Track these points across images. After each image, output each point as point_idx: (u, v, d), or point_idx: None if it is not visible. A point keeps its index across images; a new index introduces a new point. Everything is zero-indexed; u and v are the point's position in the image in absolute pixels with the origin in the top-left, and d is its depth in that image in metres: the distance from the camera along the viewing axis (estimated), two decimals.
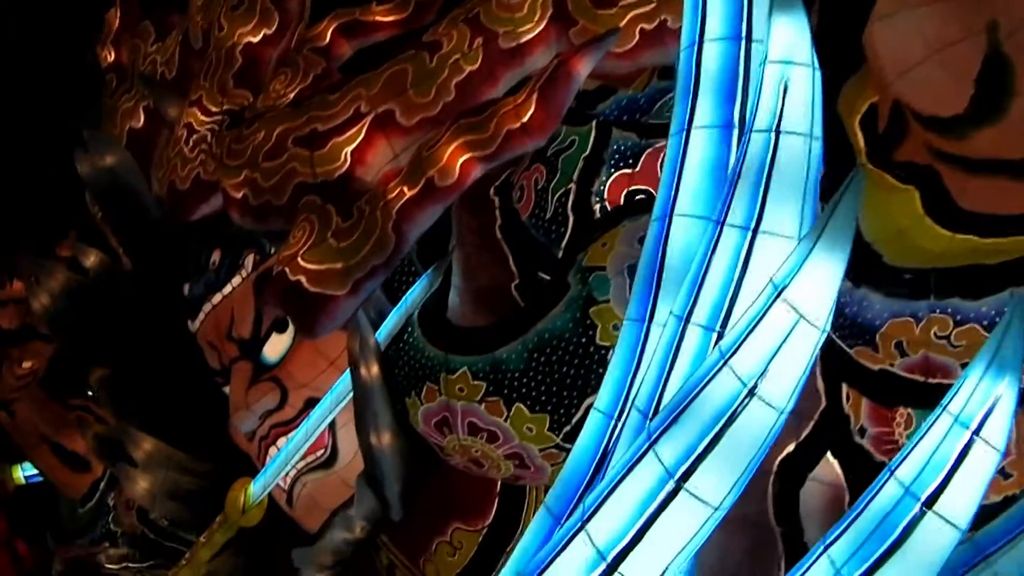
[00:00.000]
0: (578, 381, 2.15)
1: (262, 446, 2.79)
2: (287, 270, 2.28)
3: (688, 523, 1.60)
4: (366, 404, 2.40)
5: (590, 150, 2.43)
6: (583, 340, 2.15)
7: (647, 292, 1.78)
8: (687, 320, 1.67)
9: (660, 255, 1.78)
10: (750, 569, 1.93)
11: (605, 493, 1.66)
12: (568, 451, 2.23)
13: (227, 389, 2.92)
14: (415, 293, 2.41)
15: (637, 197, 2.32)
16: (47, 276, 3.08)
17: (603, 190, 2.43)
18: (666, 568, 1.61)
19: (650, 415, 1.69)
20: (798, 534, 2.01)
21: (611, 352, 2.15)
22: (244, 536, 2.91)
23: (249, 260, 2.86)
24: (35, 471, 3.85)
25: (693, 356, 1.67)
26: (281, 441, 2.74)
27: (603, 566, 1.64)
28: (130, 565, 3.67)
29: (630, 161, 2.41)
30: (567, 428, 2.18)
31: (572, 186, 2.45)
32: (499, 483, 2.52)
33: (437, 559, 2.63)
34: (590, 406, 2.16)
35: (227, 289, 2.88)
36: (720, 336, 1.66)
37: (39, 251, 3.44)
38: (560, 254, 2.42)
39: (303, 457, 2.71)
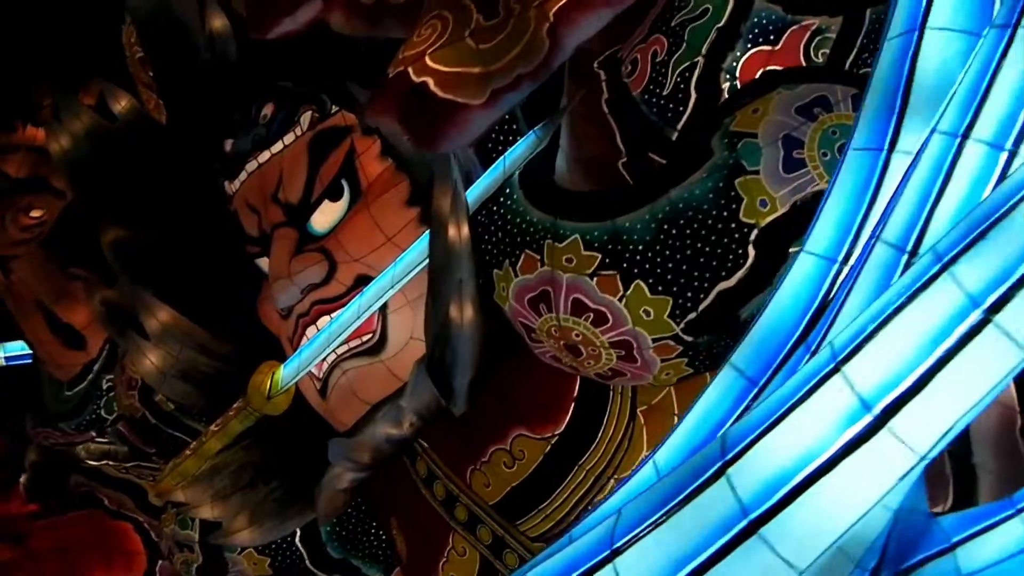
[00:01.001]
0: (712, 262, 1.84)
1: (299, 325, 2.44)
2: (410, 70, 1.92)
3: (992, 368, 1.25)
4: (450, 271, 2.06)
5: (726, 20, 2.12)
6: (724, 214, 1.84)
7: (886, 116, 1.47)
8: (965, 136, 1.36)
9: (907, 73, 1.47)
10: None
11: (871, 328, 1.32)
12: (687, 344, 1.95)
13: (262, 261, 2.59)
14: (517, 151, 2.07)
15: None
16: (70, 116, 2.70)
17: (736, 67, 2.12)
18: (951, 427, 1.28)
19: (910, 248, 1.37)
20: (967, 456, 1.72)
21: (754, 232, 1.87)
22: (262, 428, 2.57)
23: (306, 117, 2.51)
24: (16, 352, 3.48)
25: (975, 176, 1.36)
26: (323, 321, 2.40)
27: (868, 418, 1.29)
28: (111, 463, 3.31)
29: (771, 37, 2.10)
30: (691, 316, 1.87)
31: (699, 60, 2.13)
32: (577, 386, 2.22)
33: (489, 469, 2.30)
34: (722, 293, 1.88)
35: (277, 147, 2.54)
36: (1012, 154, 1.34)
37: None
38: (675, 135, 2.11)
39: (346, 341, 2.37)
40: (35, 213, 2.96)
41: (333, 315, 2.38)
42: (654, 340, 1.91)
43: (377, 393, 2.37)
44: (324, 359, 2.40)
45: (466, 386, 2.14)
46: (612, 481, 2.16)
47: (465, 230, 2.01)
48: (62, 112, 2.70)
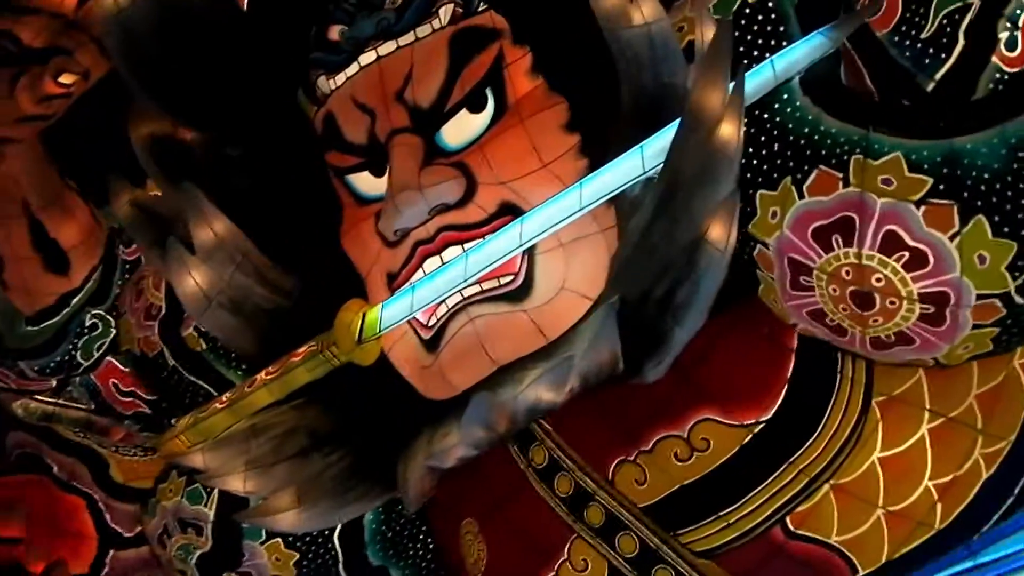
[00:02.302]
0: None
1: (416, 254, 1.93)
2: None
3: None
4: (711, 182, 1.59)
5: None
6: None
7: None
8: None
9: None
10: None
11: None
12: (1013, 309, 1.54)
13: (358, 177, 2.04)
14: (795, 54, 1.64)
15: None
16: None
17: (1020, 16, 1.78)
18: None
19: None
20: None
21: None
22: (326, 384, 2.01)
23: (447, 10, 2.03)
24: None
25: None
26: (450, 252, 1.90)
27: None
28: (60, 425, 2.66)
29: None
30: None
31: (974, 2, 1.78)
32: (792, 364, 1.78)
33: (650, 461, 1.83)
34: None
35: (407, 38, 2.04)
36: None
37: None
38: (932, 85, 1.74)
39: (479, 281, 1.88)
40: (65, 79, 2.33)
41: (467, 246, 1.89)
42: (979, 297, 1.50)
43: (511, 350, 1.87)
44: (443, 301, 1.89)
45: (685, 339, 1.67)
46: (827, 487, 1.72)
47: (741, 131, 1.55)
48: None
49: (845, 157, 1.55)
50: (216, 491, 2.24)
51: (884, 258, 1.53)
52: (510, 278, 1.87)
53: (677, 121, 1.63)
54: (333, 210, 2.13)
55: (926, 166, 1.51)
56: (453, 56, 1.97)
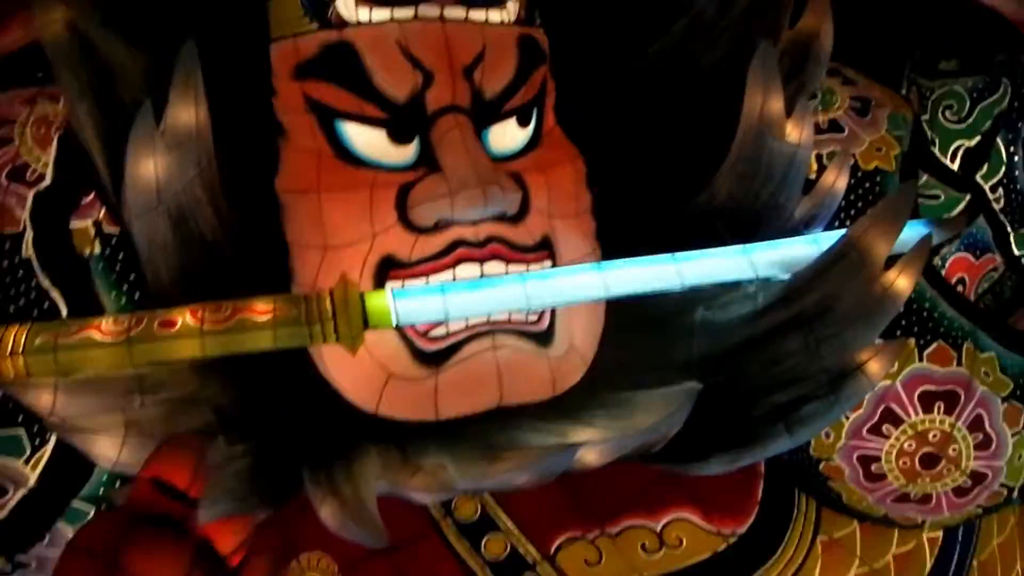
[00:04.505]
0: None
1: (452, 253, 1.66)
2: None
3: None
4: (863, 318, 1.62)
5: None
6: None
7: None
8: None
9: None
10: None
11: None
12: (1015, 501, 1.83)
13: (350, 127, 1.68)
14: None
15: None
16: None
17: None
18: None
19: None
20: None
21: None
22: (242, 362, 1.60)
23: (514, 6, 1.85)
24: None
25: None
26: (492, 267, 1.66)
27: None
28: None
29: None
30: None
31: None
32: (761, 487, 1.85)
33: (611, 546, 1.76)
34: None
35: (479, 14, 1.80)
36: None
37: None
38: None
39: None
40: None
41: (510, 268, 1.71)
42: (1000, 484, 1.77)
43: (522, 393, 1.71)
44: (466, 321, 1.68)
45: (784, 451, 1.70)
46: None
47: (912, 286, 1.66)
48: None
49: (959, 341, 1.75)
50: (49, 448, 1.61)
51: (967, 434, 1.75)
52: (536, 318, 1.72)
53: (809, 245, 1.70)
54: (264, 141, 1.76)
55: (1010, 372, 1.77)
56: (521, 59, 1.80)
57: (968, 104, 2.04)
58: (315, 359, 1.69)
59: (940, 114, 2.04)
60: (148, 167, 1.53)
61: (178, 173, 1.56)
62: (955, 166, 2.03)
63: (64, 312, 1.62)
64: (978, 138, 2.03)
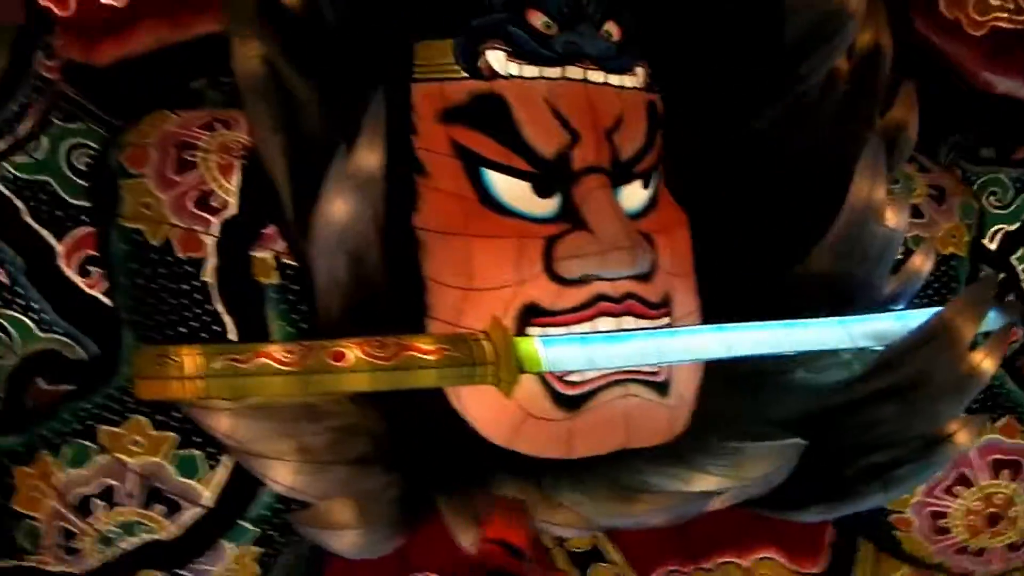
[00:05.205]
0: None
1: (594, 306, 1.79)
2: None
3: None
4: (952, 391, 1.82)
5: None
6: None
7: None
8: None
9: None
10: None
11: None
12: None
13: (495, 176, 1.79)
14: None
15: None
16: None
17: None
18: None
19: None
20: None
21: None
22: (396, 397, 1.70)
23: (641, 71, 1.99)
24: None
25: None
26: (628, 322, 1.79)
27: None
28: None
29: None
30: None
31: None
32: (830, 531, 2.03)
33: None
34: None
35: (617, 80, 1.92)
36: None
37: None
38: None
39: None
40: None
41: (642, 323, 1.84)
42: None
43: (644, 438, 1.85)
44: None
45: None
46: None
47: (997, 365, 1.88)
48: None
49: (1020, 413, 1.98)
50: (219, 469, 1.66)
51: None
52: (656, 369, 1.86)
53: (899, 320, 1.90)
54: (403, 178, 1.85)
55: None
56: (650, 124, 1.94)
57: (1012, 192, 2.26)
58: (448, 394, 1.79)
59: (985, 199, 2.25)
60: (338, 208, 1.60)
61: (359, 214, 1.64)
62: (993, 246, 2.25)
63: (233, 337, 1.67)
64: (1018, 224, 2.26)
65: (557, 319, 1.76)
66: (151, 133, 1.74)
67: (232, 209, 1.70)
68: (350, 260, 1.65)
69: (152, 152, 1.71)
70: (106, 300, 1.75)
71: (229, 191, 1.69)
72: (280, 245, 1.71)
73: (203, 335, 1.65)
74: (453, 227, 1.80)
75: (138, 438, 1.66)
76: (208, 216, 1.69)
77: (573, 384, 1.77)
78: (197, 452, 1.67)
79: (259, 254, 1.70)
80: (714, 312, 1.92)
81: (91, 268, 1.78)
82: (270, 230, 1.71)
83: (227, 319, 1.68)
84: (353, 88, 1.76)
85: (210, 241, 1.69)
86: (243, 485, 1.67)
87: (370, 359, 1.62)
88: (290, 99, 1.67)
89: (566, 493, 1.76)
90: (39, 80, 1.74)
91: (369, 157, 1.65)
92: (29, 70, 1.72)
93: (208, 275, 1.69)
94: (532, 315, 1.77)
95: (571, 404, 1.77)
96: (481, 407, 1.78)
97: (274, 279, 1.70)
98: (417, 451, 1.74)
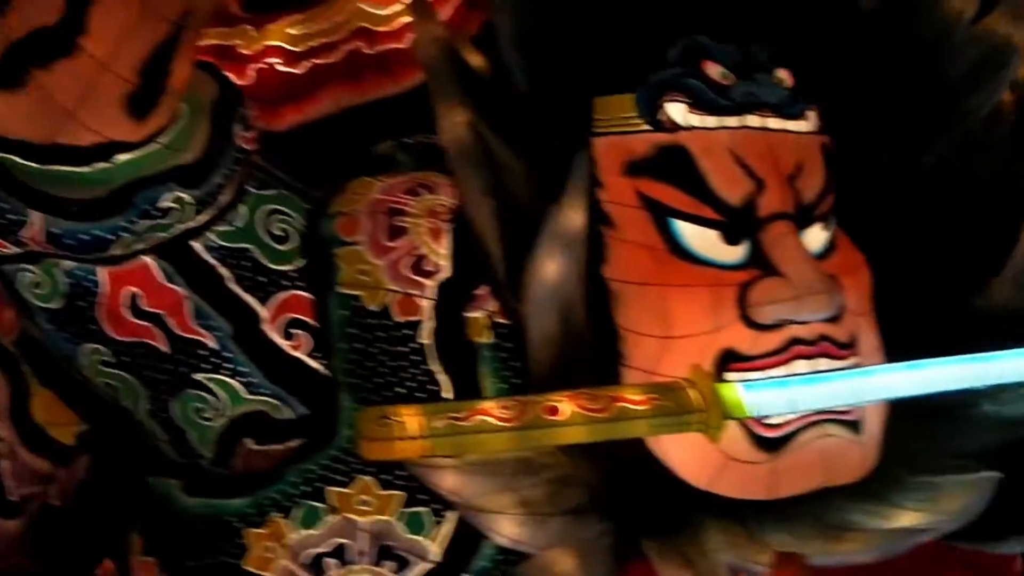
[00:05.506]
0: None
1: (789, 350, 1.83)
2: None
3: None
4: None
5: None
6: None
7: None
8: None
9: None
10: None
11: None
12: None
13: (685, 226, 1.84)
14: None
15: None
16: None
17: None
18: None
19: None
20: None
21: None
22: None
23: (813, 115, 2.02)
24: None
25: None
26: (822, 363, 1.83)
27: None
28: None
29: None
30: None
31: None
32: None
33: None
34: None
35: (794, 125, 1.97)
36: None
37: None
38: None
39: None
40: None
41: (835, 364, 1.88)
42: None
43: (839, 477, 1.89)
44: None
45: None
46: None
47: None
48: None
49: None
50: (445, 524, 1.72)
51: None
52: (849, 408, 1.90)
53: None
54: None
55: None
56: (827, 167, 1.98)
57: None
58: (647, 440, 1.83)
59: None
60: (550, 267, 1.66)
61: (569, 272, 1.70)
62: None
63: (447, 395, 1.73)
64: None
65: (755, 364, 1.80)
66: (359, 201, 1.80)
67: (446, 272, 1.76)
68: (560, 316, 1.71)
69: (363, 220, 1.77)
70: (310, 362, 1.79)
71: (441, 255, 1.76)
72: (492, 305, 1.76)
73: (419, 395, 1.71)
74: (645, 277, 1.85)
75: (366, 497, 1.72)
76: (423, 280, 1.75)
77: (773, 427, 1.81)
78: (423, 509, 1.72)
79: (473, 314, 1.76)
80: (895, 350, 1.95)
81: (294, 331, 1.83)
82: (482, 291, 1.76)
83: (442, 378, 1.74)
84: (544, 147, 1.81)
85: (427, 304, 1.74)
86: (466, 539, 1.73)
87: (585, 412, 1.67)
88: (495, 163, 1.72)
89: (772, 534, 1.80)
90: (239, 151, 1.79)
91: (575, 217, 1.70)
92: (230, 142, 1.76)
93: (425, 337, 1.75)
94: (729, 361, 1.81)
95: (772, 446, 1.81)
96: (681, 452, 1.82)
97: (487, 338, 1.75)
98: (625, 498, 1.78)
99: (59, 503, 2.12)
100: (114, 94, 1.58)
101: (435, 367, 1.74)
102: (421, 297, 1.74)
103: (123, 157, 1.62)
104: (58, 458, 1.95)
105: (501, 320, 1.76)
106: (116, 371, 1.86)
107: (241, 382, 1.83)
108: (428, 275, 1.76)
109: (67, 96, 1.56)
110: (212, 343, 1.82)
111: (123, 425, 1.95)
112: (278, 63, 2.11)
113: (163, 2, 1.57)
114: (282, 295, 1.83)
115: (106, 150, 1.62)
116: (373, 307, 1.75)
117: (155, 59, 1.58)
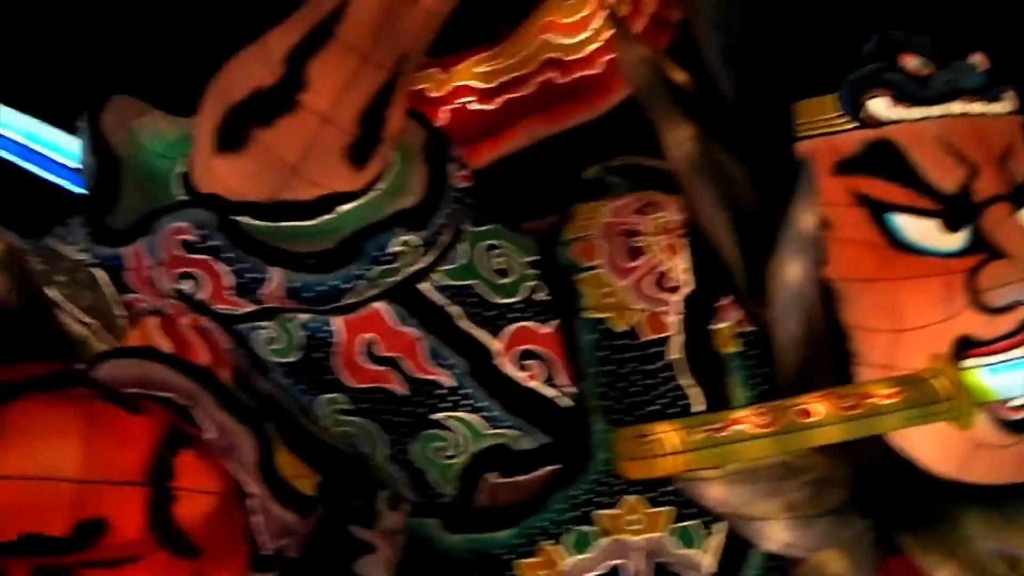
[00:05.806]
0: None
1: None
2: None
3: None
4: None
5: None
6: None
7: None
8: None
9: None
10: None
11: None
12: None
13: (901, 219, 1.84)
14: None
15: None
16: None
17: None
18: None
19: None
20: None
21: None
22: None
23: (1010, 97, 2.02)
24: None
25: None
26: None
27: None
28: None
29: None
30: None
31: None
32: None
33: None
34: None
35: (996, 107, 1.98)
36: None
37: None
38: None
39: None
40: None
41: None
42: None
43: None
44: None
45: None
46: None
47: None
48: None
49: None
50: (713, 536, 1.76)
51: None
52: None
53: None
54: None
55: None
56: None
57: None
58: (887, 434, 1.84)
59: None
60: (792, 270, 1.69)
61: (809, 274, 1.72)
62: None
63: (698, 408, 1.76)
64: None
65: (992, 348, 1.81)
66: (591, 226, 1.84)
67: (689, 286, 1.79)
68: (805, 317, 1.73)
69: (600, 244, 1.82)
70: (547, 390, 1.83)
71: (682, 270, 1.79)
72: (735, 314, 1.79)
73: (671, 411, 1.74)
74: (870, 274, 1.86)
75: (635, 516, 1.76)
76: (668, 296, 1.79)
77: (1017, 408, 1.81)
78: (692, 522, 1.75)
79: (718, 326, 1.79)
80: None
81: (526, 362, 1.87)
82: (724, 302, 1.79)
83: (692, 391, 1.77)
84: (759, 154, 1.84)
85: (674, 320, 1.78)
86: (735, 548, 1.76)
87: (839, 411, 1.69)
88: (724, 174, 1.76)
89: None
90: (456, 190, 1.83)
91: (807, 219, 1.73)
92: (447, 182, 1.80)
93: (674, 352, 1.78)
94: (966, 347, 1.81)
95: (1019, 428, 1.81)
96: (926, 444, 1.83)
97: (734, 347, 1.78)
98: (879, 494, 1.80)
99: (297, 554, 2.18)
100: (336, 146, 1.64)
101: (685, 381, 1.77)
102: (667, 313, 1.77)
103: (345, 207, 1.67)
104: (303, 510, 1.99)
105: (746, 328, 1.78)
106: (354, 418, 1.89)
107: (482, 417, 1.86)
108: (672, 291, 1.80)
109: (291, 152, 1.63)
110: (450, 381, 1.86)
111: (358, 473, 1.99)
112: (471, 101, 2.16)
113: (380, 50, 1.61)
114: (511, 327, 1.87)
115: (329, 202, 1.68)
116: (621, 328, 1.78)
117: (373, 108, 1.63)
